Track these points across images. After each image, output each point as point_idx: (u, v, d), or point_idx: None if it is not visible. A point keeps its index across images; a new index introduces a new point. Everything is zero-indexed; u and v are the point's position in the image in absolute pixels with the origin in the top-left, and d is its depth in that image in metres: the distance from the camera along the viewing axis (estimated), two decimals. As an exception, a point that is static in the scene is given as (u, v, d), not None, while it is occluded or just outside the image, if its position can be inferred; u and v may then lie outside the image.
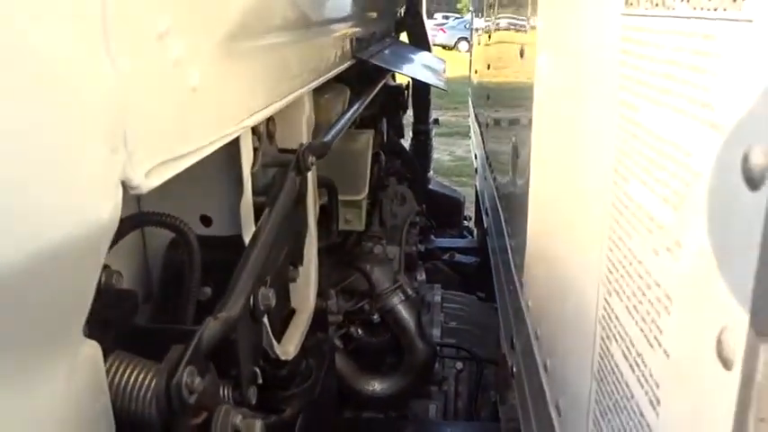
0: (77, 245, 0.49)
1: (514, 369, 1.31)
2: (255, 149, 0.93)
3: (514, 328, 1.23)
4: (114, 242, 0.75)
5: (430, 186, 3.37)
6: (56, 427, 0.52)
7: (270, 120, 1.03)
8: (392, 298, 1.88)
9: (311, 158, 0.99)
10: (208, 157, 0.96)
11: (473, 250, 3.03)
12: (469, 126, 3.56)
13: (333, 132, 1.18)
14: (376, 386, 1.92)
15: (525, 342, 1.04)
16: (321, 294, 1.37)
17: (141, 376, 0.66)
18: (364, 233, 1.96)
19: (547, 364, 0.83)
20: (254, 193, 0.90)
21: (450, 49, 16.61)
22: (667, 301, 0.41)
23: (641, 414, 0.46)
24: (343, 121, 1.29)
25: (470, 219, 3.80)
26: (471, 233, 3.53)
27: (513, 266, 1.25)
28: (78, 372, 0.55)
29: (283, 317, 1.14)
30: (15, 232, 0.39)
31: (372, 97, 1.60)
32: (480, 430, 1.75)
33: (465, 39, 15.11)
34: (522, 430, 1.07)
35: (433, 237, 3.11)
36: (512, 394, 1.60)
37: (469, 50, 3.94)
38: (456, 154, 7.66)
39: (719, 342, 0.33)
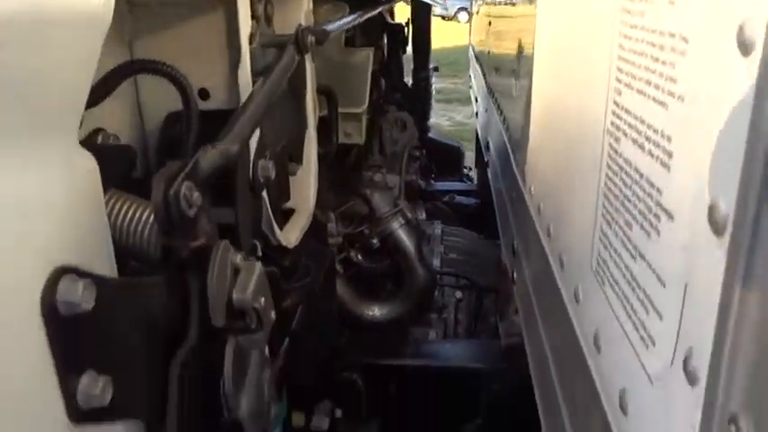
0: (72, 36, 0.48)
1: (515, 275, 1.32)
2: (252, 34, 0.92)
3: (515, 219, 1.23)
4: (107, 93, 0.74)
5: (429, 135, 3.35)
6: (53, 234, 0.52)
7: (268, 2, 1.01)
8: (392, 222, 1.88)
9: (311, 38, 0.98)
10: (206, 29, 0.94)
11: (473, 193, 3.02)
12: (469, 95, 3.53)
13: (333, 26, 1.16)
14: (376, 311, 1.93)
15: (528, 222, 1.03)
16: (320, 208, 1.37)
17: (139, 211, 0.65)
18: (364, 162, 1.95)
19: (550, 229, 0.82)
20: (253, 73, 0.89)
21: (450, 19, 16.36)
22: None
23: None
24: (343, 21, 1.27)
25: (470, 169, 3.78)
26: (471, 181, 3.51)
27: (513, 160, 1.24)
28: (74, 183, 0.55)
29: (283, 211, 1.14)
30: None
31: (372, 19, 1.58)
32: (480, 346, 1.76)
33: (464, 9, 14.89)
34: (522, 315, 1.07)
35: (432, 181, 3.10)
36: (511, 308, 1.61)
37: (469, 21, 3.90)
38: (455, 119, 7.64)
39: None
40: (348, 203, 1.88)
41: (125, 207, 0.64)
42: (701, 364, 0.35)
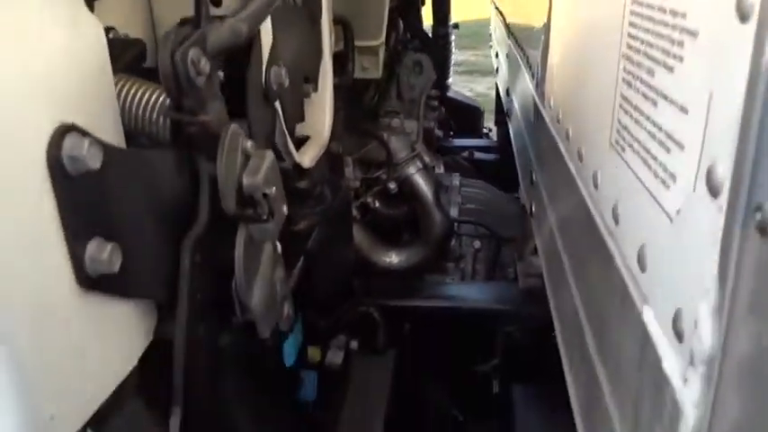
0: None
1: (533, 208, 1.30)
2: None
3: (533, 143, 1.21)
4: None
5: (449, 94, 3.31)
6: (57, 93, 0.51)
7: None
8: (409, 166, 1.86)
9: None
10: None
11: (493, 149, 2.99)
12: (490, 68, 3.46)
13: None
14: (392, 258, 1.92)
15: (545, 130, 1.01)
16: (336, 140, 1.35)
17: (149, 92, 0.64)
18: (381, 108, 1.93)
19: (569, 132, 0.80)
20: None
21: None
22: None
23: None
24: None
25: (490, 130, 3.73)
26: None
27: (532, 84, 1.22)
28: (80, 43, 0.54)
29: (298, 139, 1.12)
30: None
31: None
32: (497, 288, 1.75)
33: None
34: (541, 249, 1.05)
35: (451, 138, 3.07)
36: (529, 249, 1.59)
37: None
38: (477, 90, 7.57)
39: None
40: (365, 147, 1.86)
41: (134, 88, 0.63)
42: (723, 183, 0.33)
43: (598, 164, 0.63)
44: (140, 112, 0.62)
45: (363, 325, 1.40)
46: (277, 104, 0.90)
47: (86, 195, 0.52)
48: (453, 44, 3.27)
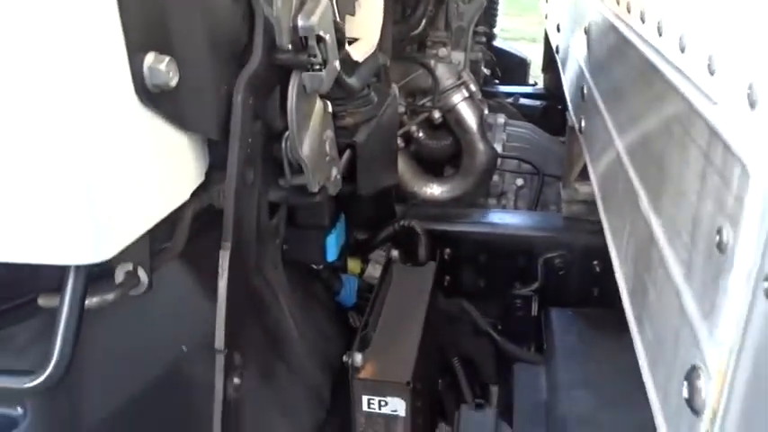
0: None
1: (583, 123, 1.27)
2: None
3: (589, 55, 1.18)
4: None
5: (494, 44, 3.24)
6: None
7: None
8: (455, 95, 1.83)
9: None
10: None
11: (539, 96, 2.93)
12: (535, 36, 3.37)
13: None
14: (434, 189, 1.91)
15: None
16: (383, 52, 1.34)
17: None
18: (427, 37, 1.90)
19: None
20: None
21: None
22: None
23: None
24: None
25: (536, 83, 3.66)
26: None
27: None
28: None
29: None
30: None
31: None
32: (539, 216, 1.73)
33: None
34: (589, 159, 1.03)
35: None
36: (574, 175, 1.56)
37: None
38: (522, 58, 7.42)
39: None
40: (411, 75, 1.84)
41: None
42: None
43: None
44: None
45: (405, 238, 1.40)
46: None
47: (146, 6, 0.52)
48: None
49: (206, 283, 0.92)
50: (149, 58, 0.53)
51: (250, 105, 0.64)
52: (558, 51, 1.89)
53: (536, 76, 3.79)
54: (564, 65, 1.68)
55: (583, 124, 1.27)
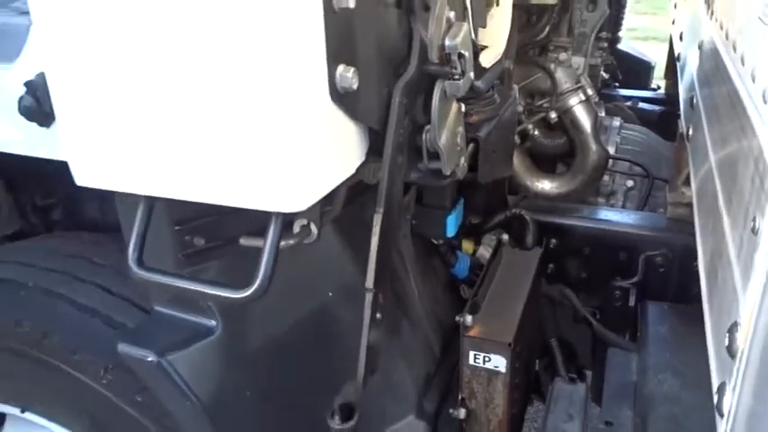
0: None
1: (690, 131, 1.37)
2: None
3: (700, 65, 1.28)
4: None
5: (618, 46, 3.28)
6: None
7: None
8: (572, 97, 1.96)
9: None
10: None
11: (659, 101, 2.95)
12: (665, 35, 3.35)
13: None
14: (545, 185, 2.04)
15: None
16: (508, 57, 1.50)
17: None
18: (550, 41, 2.03)
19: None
20: None
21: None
22: None
23: None
24: None
25: (658, 87, 3.64)
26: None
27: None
28: None
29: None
30: None
31: None
32: (644, 216, 1.82)
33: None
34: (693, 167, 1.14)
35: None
36: (681, 178, 1.65)
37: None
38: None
39: None
40: (532, 77, 1.98)
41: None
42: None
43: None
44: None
45: (515, 225, 1.56)
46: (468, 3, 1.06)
47: (342, 27, 0.73)
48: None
49: (350, 242, 1.14)
50: (341, 68, 0.74)
51: (404, 104, 0.84)
52: (678, 59, 1.96)
53: (660, 78, 3.77)
54: (682, 73, 1.77)
55: (690, 132, 1.37)
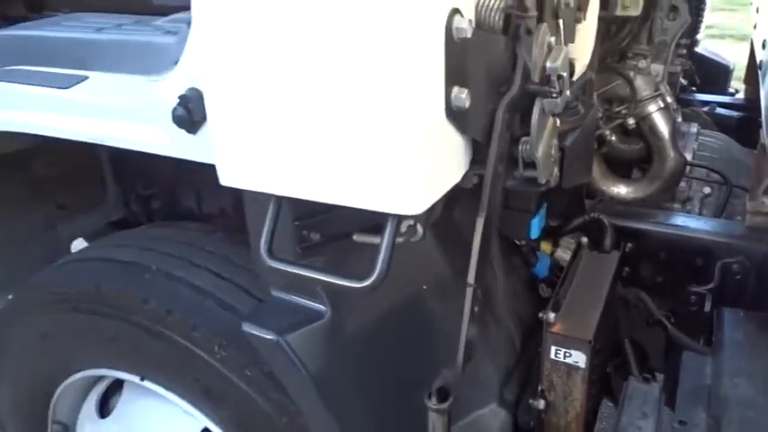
0: None
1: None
2: None
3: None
4: None
5: (696, 49, 3.25)
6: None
7: None
8: (651, 104, 2.00)
9: None
10: None
11: (738, 107, 2.93)
12: (745, 31, 3.29)
13: None
14: (620, 189, 2.09)
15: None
16: (590, 68, 1.57)
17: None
18: (630, 48, 2.07)
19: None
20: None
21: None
22: None
23: None
24: None
25: (737, 91, 3.58)
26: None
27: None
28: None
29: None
30: None
31: None
32: (722, 223, 1.85)
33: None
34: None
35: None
36: (762, 187, 1.68)
37: None
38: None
39: None
40: (610, 84, 2.03)
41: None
42: None
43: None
44: (485, 9, 0.91)
45: (593, 229, 1.63)
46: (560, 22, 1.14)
47: (459, 54, 0.83)
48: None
49: (443, 241, 1.24)
50: (455, 89, 0.84)
51: (506, 119, 0.93)
52: (761, 67, 1.97)
53: (738, 79, 3.70)
54: (764, 81, 1.78)
55: (773, 140, 1.41)
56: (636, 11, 1.67)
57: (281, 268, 0.94)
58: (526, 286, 1.54)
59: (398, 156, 0.81)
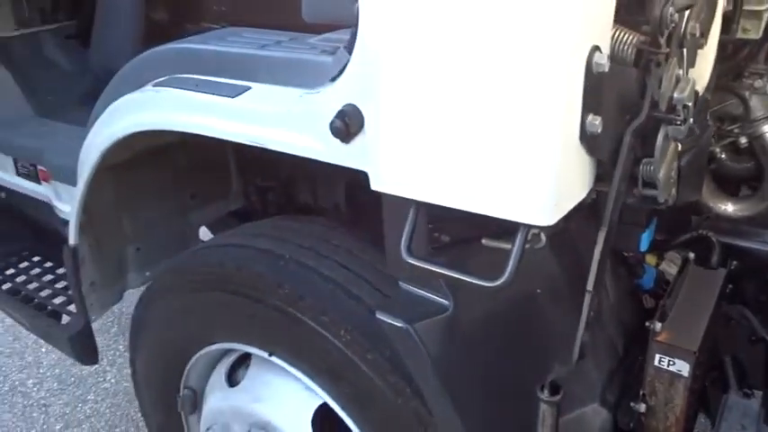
0: None
1: None
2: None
3: None
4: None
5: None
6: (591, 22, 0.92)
7: None
8: (765, 125, 2.00)
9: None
10: None
11: None
12: None
13: None
14: (728, 207, 2.10)
15: None
16: (707, 88, 1.61)
17: (627, 33, 1.03)
18: (746, 68, 2.07)
19: None
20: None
21: None
22: None
23: None
24: None
25: None
26: None
27: None
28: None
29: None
30: None
31: None
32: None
33: None
34: None
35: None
36: None
37: None
38: None
39: None
40: (724, 103, 2.05)
41: (618, 29, 1.02)
42: None
43: None
44: (620, 43, 1.01)
45: (699, 245, 1.67)
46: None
47: (596, 85, 0.93)
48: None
49: (559, 249, 1.34)
50: (590, 117, 0.94)
51: (632, 143, 1.03)
52: None
53: None
54: None
55: None
56: (756, 34, 1.70)
57: (420, 265, 1.07)
58: (630, 296, 1.61)
59: (536, 172, 0.92)
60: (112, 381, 3.25)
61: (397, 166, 1.04)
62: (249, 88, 1.34)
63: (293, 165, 2.06)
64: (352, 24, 1.32)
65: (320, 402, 1.62)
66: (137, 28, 2.72)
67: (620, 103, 1.00)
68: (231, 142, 1.38)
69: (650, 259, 1.72)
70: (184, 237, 2.36)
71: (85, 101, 2.80)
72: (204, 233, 2.67)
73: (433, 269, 1.06)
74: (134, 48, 2.78)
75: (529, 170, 0.92)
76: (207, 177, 2.32)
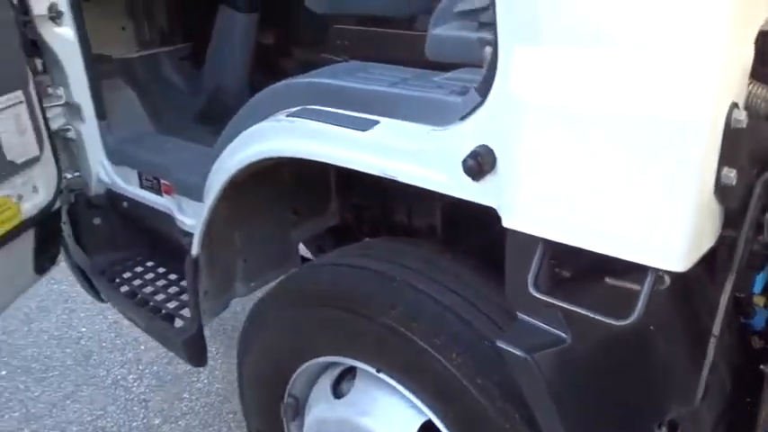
0: None
1: None
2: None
3: None
4: None
5: None
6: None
7: None
8: None
9: None
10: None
11: None
12: None
13: None
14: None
15: None
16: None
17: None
18: None
19: None
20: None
21: None
22: None
23: None
24: None
25: None
26: None
27: None
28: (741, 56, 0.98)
29: None
30: None
31: None
32: None
33: None
34: None
35: None
36: None
37: None
38: None
39: None
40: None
41: (755, 86, 1.06)
42: None
43: None
44: (755, 98, 1.05)
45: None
46: None
47: (733, 140, 0.98)
48: None
49: (674, 290, 1.37)
50: (725, 169, 0.99)
51: (761, 193, 1.07)
52: None
53: None
54: None
55: None
56: None
57: (548, 300, 1.14)
58: (735, 335, 1.62)
59: (673, 220, 0.98)
60: (205, 381, 3.43)
61: (532, 206, 1.11)
62: (378, 122, 1.45)
63: (391, 186, 2.16)
64: (476, 65, 1.40)
65: (424, 420, 1.70)
66: (249, 52, 2.90)
67: (753, 156, 1.04)
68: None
69: (758, 299, 1.72)
70: (286, 250, 2.49)
71: (199, 119, 3.00)
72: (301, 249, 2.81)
73: (562, 305, 1.12)
74: (245, 70, 2.97)
75: (666, 218, 0.98)
76: (308, 195, 2.45)
